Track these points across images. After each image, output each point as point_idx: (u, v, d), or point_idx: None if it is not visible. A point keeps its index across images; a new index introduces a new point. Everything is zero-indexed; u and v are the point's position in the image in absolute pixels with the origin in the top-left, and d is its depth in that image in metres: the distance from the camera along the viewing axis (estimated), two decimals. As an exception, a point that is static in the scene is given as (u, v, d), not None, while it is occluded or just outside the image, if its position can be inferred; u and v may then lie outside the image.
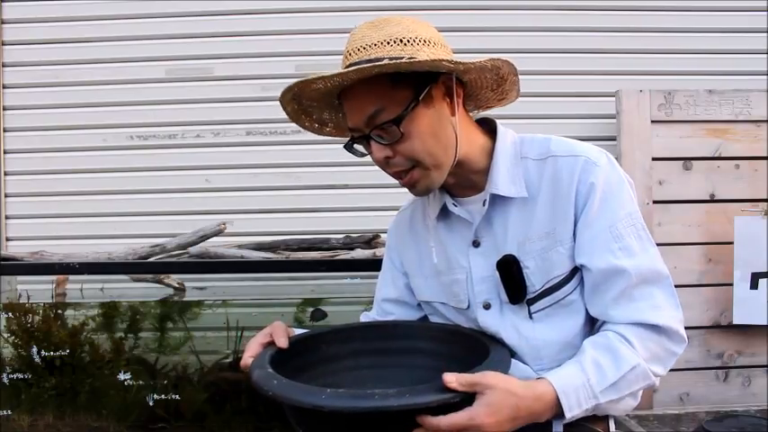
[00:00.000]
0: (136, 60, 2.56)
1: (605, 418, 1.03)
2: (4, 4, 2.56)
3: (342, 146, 1.04)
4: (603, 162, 0.99)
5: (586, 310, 1.01)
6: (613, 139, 2.30)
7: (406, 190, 1.04)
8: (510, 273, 1.01)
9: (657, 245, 1.00)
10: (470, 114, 1.08)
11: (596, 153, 1.00)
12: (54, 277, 2.20)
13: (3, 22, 2.56)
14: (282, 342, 0.99)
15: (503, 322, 1.04)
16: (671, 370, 1.00)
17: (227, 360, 2.14)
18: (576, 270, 1.00)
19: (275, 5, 2.56)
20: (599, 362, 0.92)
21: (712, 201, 2.25)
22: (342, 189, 2.55)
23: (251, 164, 2.56)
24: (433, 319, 1.18)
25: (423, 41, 0.93)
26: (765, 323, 2.11)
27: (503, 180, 1.01)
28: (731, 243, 2.14)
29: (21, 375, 2.03)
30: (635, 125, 2.24)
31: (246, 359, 0.97)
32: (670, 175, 2.25)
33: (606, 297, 0.97)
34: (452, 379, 0.80)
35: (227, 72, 2.56)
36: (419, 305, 1.20)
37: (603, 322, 0.99)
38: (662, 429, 2.04)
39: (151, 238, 2.26)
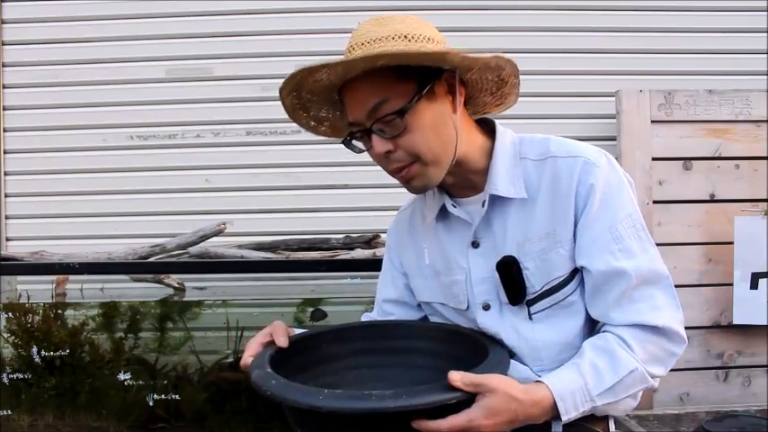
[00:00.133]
0: (136, 60, 2.56)
1: (605, 419, 1.03)
2: (4, 4, 2.56)
3: (342, 145, 1.04)
4: (603, 163, 0.99)
5: (586, 311, 1.01)
6: (613, 139, 2.30)
7: (405, 190, 1.04)
8: (510, 274, 1.01)
9: (657, 245, 1.00)
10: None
11: (596, 153, 1.00)
12: (54, 277, 2.20)
13: (3, 22, 2.56)
14: (282, 341, 0.99)
15: (502, 323, 1.04)
16: (671, 370, 1.00)
17: (228, 360, 2.14)
18: (576, 271, 1.00)
19: (275, 5, 2.56)
20: (597, 365, 0.92)
21: (712, 201, 2.25)
22: (342, 189, 2.55)
23: (251, 164, 2.56)
24: (433, 319, 1.18)
25: (427, 38, 0.94)
26: (765, 323, 2.11)
27: (502, 181, 1.01)
28: (731, 243, 2.14)
29: (21, 375, 2.03)
30: (635, 125, 2.24)
31: (246, 359, 0.97)
32: (670, 175, 2.25)
33: (607, 299, 0.97)
34: (457, 378, 0.80)
35: (227, 72, 2.56)
36: (419, 306, 1.20)
37: (604, 324, 0.99)
38: (662, 429, 2.04)
39: (151, 238, 2.26)
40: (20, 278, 2.37)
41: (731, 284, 2.14)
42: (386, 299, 1.23)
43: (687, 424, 2.06)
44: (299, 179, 2.55)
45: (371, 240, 2.14)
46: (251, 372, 0.90)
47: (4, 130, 2.56)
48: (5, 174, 2.57)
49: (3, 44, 2.56)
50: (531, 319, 1.02)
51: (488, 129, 1.07)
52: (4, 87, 2.56)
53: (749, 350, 2.24)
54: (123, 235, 2.51)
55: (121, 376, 2.02)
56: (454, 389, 0.80)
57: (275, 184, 2.56)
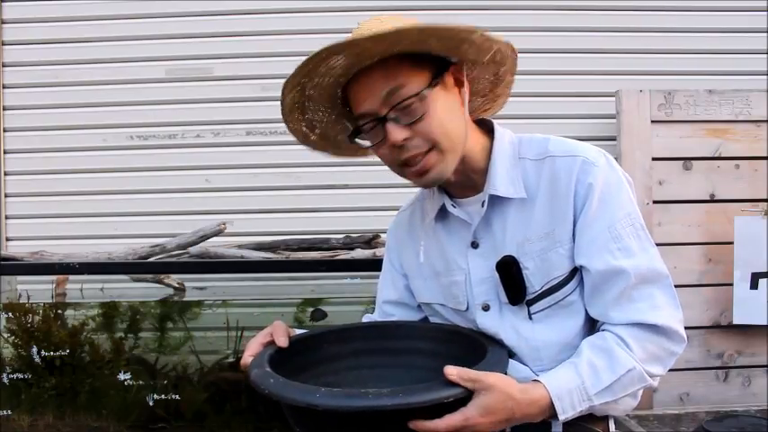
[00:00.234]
0: (136, 60, 2.56)
1: (605, 419, 1.03)
2: (4, 4, 2.56)
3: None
4: (602, 162, 0.99)
5: (586, 310, 1.01)
6: (613, 139, 2.30)
7: (406, 190, 1.04)
8: (509, 274, 1.01)
9: (657, 245, 1.00)
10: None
11: (594, 153, 1.00)
12: (54, 277, 2.20)
13: (3, 22, 2.56)
14: (282, 341, 0.99)
15: (502, 323, 1.04)
16: (671, 370, 1.00)
17: (228, 360, 2.14)
18: (576, 271, 1.00)
19: (275, 5, 2.56)
20: (595, 364, 0.92)
21: (712, 201, 2.25)
22: (342, 189, 2.55)
23: (251, 164, 2.56)
24: (433, 320, 1.18)
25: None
26: (765, 323, 2.11)
27: (501, 181, 1.01)
28: (731, 243, 2.14)
29: (21, 375, 2.03)
30: (635, 125, 2.24)
31: (246, 358, 0.97)
32: (670, 175, 2.25)
33: (606, 298, 0.97)
34: (454, 372, 0.81)
35: (227, 72, 2.56)
36: (419, 306, 1.20)
37: (603, 323, 0.99)
38: (662, 429, 2.04)
39: (151, 238, 2.27)
40: (20, 278, 2.37)
41: (731, 284, 2.14)
42: (386, 300, 1.23)
43: (687, 424, 2.06)
44: (299, 179, 2.55)
45: (371, 240, 2.14)
46: (250, 371, 0.90)
47: (4, 130, 2.56)
48: (5, 174, 2.57)
49: (3, 44, 2.56)
50: (530, 319, 1.02)
51: (487, 129, 1.07)
52: (4, 87, 2.56)
53: (749, 350, 2.23)
54: (123, 235, 2.51)
55: (121, 376, 2.02)
56: (451, 386, 0.80)
57: (275, 184, 2.56)
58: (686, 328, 0.98)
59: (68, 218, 2.56)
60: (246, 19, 2.56)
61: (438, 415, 0.79)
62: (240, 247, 2.14)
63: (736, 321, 2.15)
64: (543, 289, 1.00)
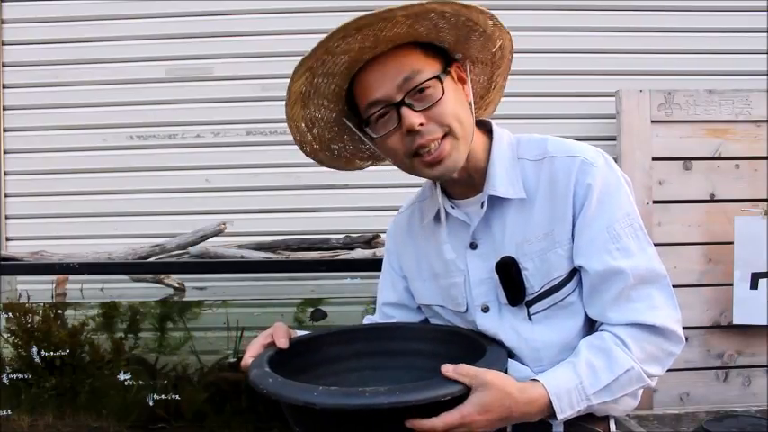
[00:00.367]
0: (136, 60, 2.56)
1: (605, 419, 1.03)
2: (4, 4, 2.56)
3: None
4: (600, 163, 0.99)
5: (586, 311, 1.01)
6: (613, 139, 2.30)
7: (405, 190, 1.04)
8: (509, 274, 1.01)
9: (657, 245, 1.00)
10: None
11: (593, 153, 1.00)
12: (54, 277, 2.20)
13: (3, 22, 2.56)
14: (283, 343, 0.99)
15: (501, 324, 1.04)
16: (671, 370, 1.00)
17: (228, 360, 2.14)
18: (575, 271, 1.00)
19: (275, 5, 2.56)
20: (593, 364, 0.92)
21: (712, 201, 2.25)
22: (342, 189, 2.55)
23: (251, 164, 2.56)
24: (433, 321, 1.18)
25: None
26: (765, 323, 2.11)
27: (500, 181, 1.01)
28: (731, 243, 2.14)
29: (21, 375, 2.03)
30: (635, 125, 2.24)
31: (247, 359, 0.97)
32: (670, 175, 2.25)
33: (604, 298, 0.97)
34: (450, 368, 0.81)
35: (227, 72, 2.56)
36: (419, 308, 1.20)
37: (601, 323, 0.99)
38: (662, 429, 2.04)
39: (151, 238, 2.27)
40: (20, 278, 2.37)
41: (731, 284, 2.14)
42: (386, 302, 1.23)
43: (687, 424, 2.06)
44: (299, 179, 2.55)
45: (371, 240, 2.14)
46: (250, 371, 0.90)
47: (4, 130, 2.56)
48: (5, 174, 2.57)
49: (3, 44, 2.57)
50: (530, 319, 1.02)
51: (485, 129, 1.08)
52: (4, 87, 2.56)
53: (749, 350, 2.23)
54: (123, 235, 2.51)
55: (121, 376, 2.02)
56: (448, 384, 0.80)
57: (275, 184, 2.56)
58: (686, 328, 0.98)
59: (68, 218, 2.56)
60: (246, 19, 2.56)
61: (435, 414, 0.79)
62: (240, 247, 2.14)
63: (736, 321, 2.15)
64: (543, 290, 1.00)
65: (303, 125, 1.04)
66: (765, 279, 2.10)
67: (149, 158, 2.56)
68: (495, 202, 1.02)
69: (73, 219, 2.56)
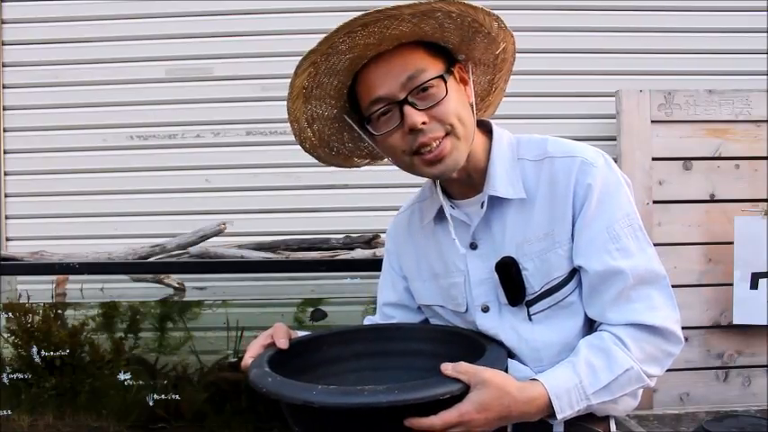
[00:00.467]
0: (136, 60, 2.56)
1: (606, 419, 1.03)
2: (4, 4, 2.56)
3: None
4: (600, 163, 0.99)
5: (585, 311, 1.01)
6: (613, 139, 2.30)
7: (405, 190, 1.04)
8: (509, 275, 1.01)
9: (657, 245, 1.01)
10: None
11: (593, 154, 1.00)
12: (54, 277, 2.20)
13: (3, 22, 2.56)
14: (283, 343, 0.99)
15: (501, 325, 1.04)
16: (671, 370, 1.00)
17: (228, 360, 2.14)
18: (575, 271, 1.00)
19: (275, 5, 2.56)
20: (592, 363, 0.92)
21: (712, 201, 2.25)
22: (342, 189, 2.55)
23: (251, 164, 2.56)
24: (434, 321, 1.18)
25: None
26: (765, 323, 2.11)
27: (500, 182, 1.01)
28: (731, 243, 2.14)
29: (21, 375, 2.03)
30: (635, 125, 2.24)
31: (247, 360, 0.97)
32: (670, 175, 2.24)
33: (604, 298, 0.97)
34: (449, 366, 0.82)
35: (227, 72, 2.56)
36: (419, 308, 1.20)
37: (601, 323, 0.99)
38: (662, 429, 2.04)
39: (151, 238, 2.27)
40: (20, 278, 2.37)
41: (731, 284, 2.14)
42: (386, 302, 1.23)
43: (687, 424, 2.06)
44: (299, 179, 2.55)
45: (371, 240, 2.14)
46: (249, 371, 0.91)
47: (4, 130, 2.56)
48: (5, 174, 2.57)
49: (3, 44, 2.56)
50: (530, 319, 1.02)
51: (485, 130, 1.08)
52: (4, 87, 2.56)
53: (749, 350, 2.23)
54: (123, 235, 2.51)
55: (121, 376, 2.02)
56: (447, 383, 0.80)
57: (275, 184, 2.56)
58: (686, 328, 0.99)
59: (68, 218, 2.56)
60: (246, 19, 2.56)
61: (434, 412, 0.79)
62: (240, 247, 2.14)
63: (736, 321, 2.15)
64: (543, 290, 1.00)
65: (304, 121, 1.04)
66: (765, 279, 2.10)
67: (149, 158, 2.56)
68: (495, 202, 1.02)
69: (73, 219, 2.56)
